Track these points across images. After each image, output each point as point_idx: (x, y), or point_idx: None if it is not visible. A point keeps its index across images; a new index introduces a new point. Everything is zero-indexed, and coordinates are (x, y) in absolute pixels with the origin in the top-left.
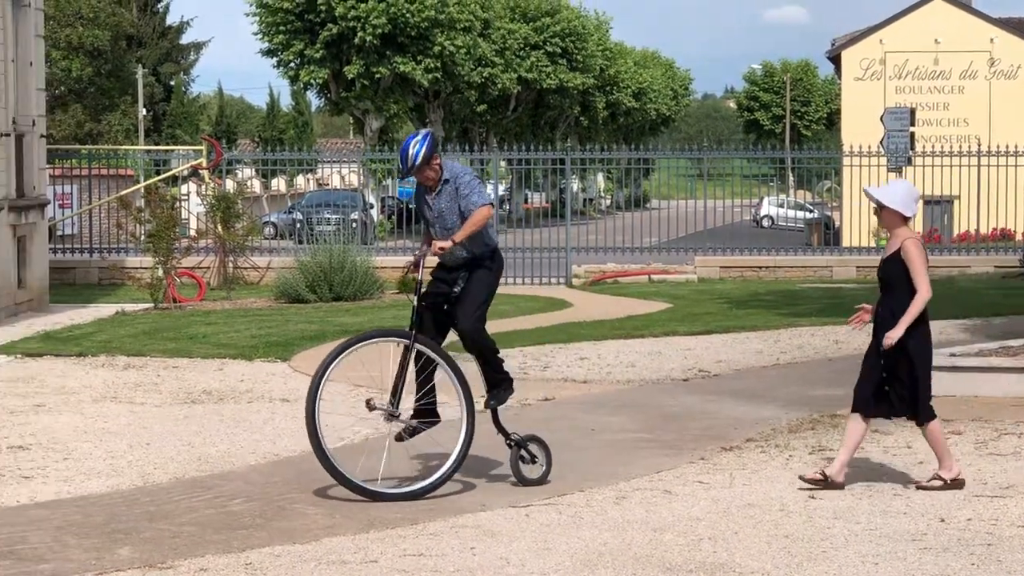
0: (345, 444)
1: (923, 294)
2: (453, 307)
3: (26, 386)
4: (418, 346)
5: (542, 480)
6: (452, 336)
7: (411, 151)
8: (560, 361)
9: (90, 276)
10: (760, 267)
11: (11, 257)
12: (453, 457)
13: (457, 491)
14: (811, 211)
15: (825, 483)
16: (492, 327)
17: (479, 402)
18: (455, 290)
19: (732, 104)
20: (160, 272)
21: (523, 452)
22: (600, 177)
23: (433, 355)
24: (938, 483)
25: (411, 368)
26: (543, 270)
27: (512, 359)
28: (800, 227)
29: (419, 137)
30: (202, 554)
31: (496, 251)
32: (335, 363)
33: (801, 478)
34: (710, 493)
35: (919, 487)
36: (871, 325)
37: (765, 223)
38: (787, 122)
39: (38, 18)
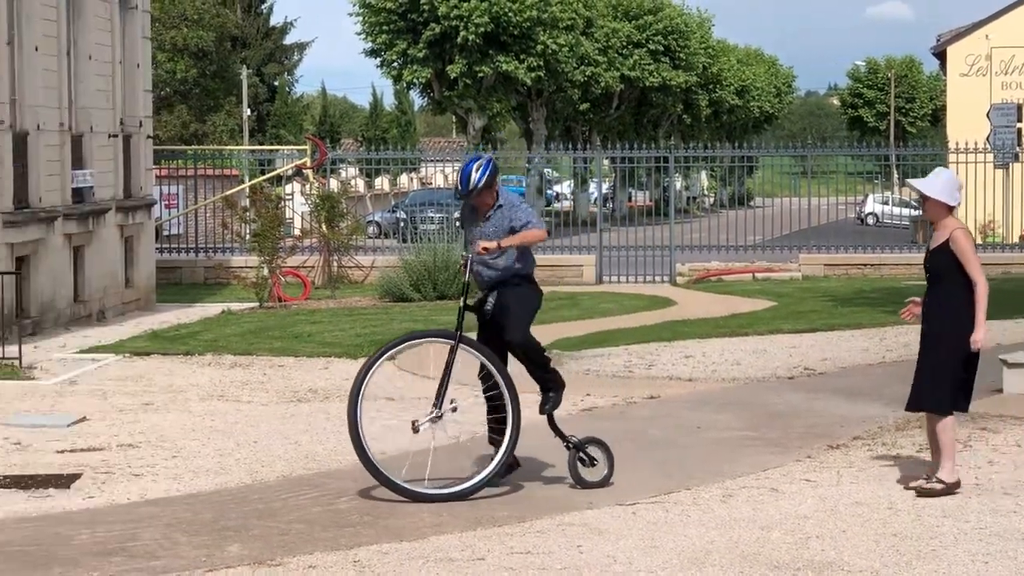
0: (455, 444)
1: (982, 286)
2: (496, 322)
3: (135, 385)
4: (463, 346)
5: (604, 482)
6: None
7: (474, 175)
8: (665, 359)
9: (196, 275)
10: (865, 264)
11: (119, 257)
12: (496, 459)
13: (563, 489)
14: (916, 208)
15: (947, 490)
16: (596, 325)
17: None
18: (487, 308)
19: (836, 101)
20: (265, 271)
21: (581, 455)
22: (703, 175)
23: (478, 356)
24: (939, 486)
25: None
26: (647, 268)
27: (617, 357)
28: (905, 224)
29: (482, 161)
30: (311, 551)
31: (530, 277)
32: (376, 365)
33: (918, 491)
34: (817, 491)
35: (918, 490)
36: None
37: (870, 220)
38: (891, 119)
39: (145, 20)
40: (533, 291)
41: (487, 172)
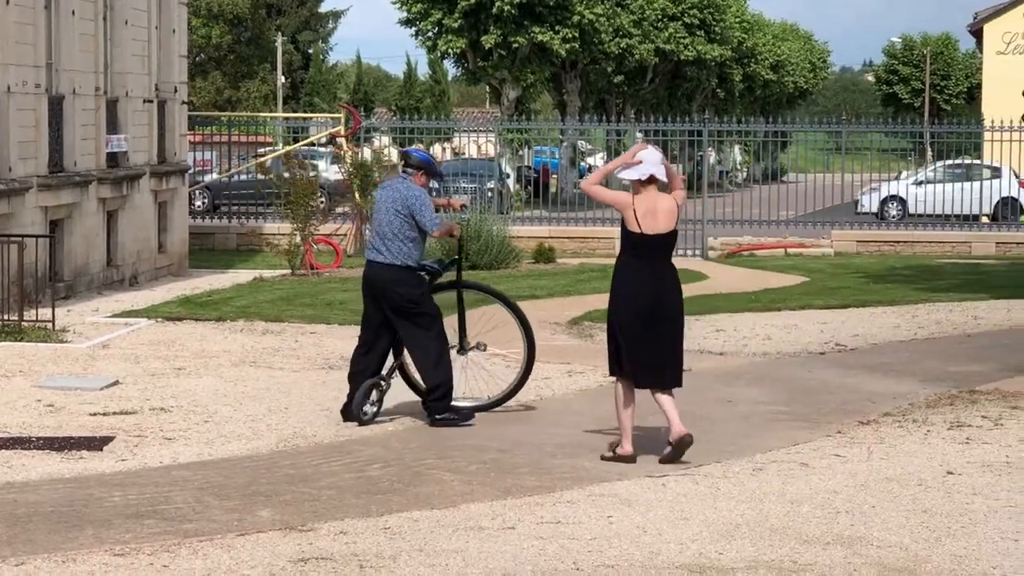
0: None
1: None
2: None
3: (167, 349)
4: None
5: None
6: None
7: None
8: (696, 333)
9: (228, 242)
10: (897, 242)
11: (152, 222)
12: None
13: (593, 460)
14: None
15: (616, 458)
16: None
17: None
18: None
19: (870, 77)
20: (298, 239)
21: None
22: (736, 150)
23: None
24: (609, 455)
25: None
26: (679, 242)
27: None
28: None
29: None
30: (341, 517)
31: None
32: None
33: (602, 457)
34: (847, 467)
35: (602, 457)
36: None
37: None
38: (926, 96)
39: None
40: None
41: None
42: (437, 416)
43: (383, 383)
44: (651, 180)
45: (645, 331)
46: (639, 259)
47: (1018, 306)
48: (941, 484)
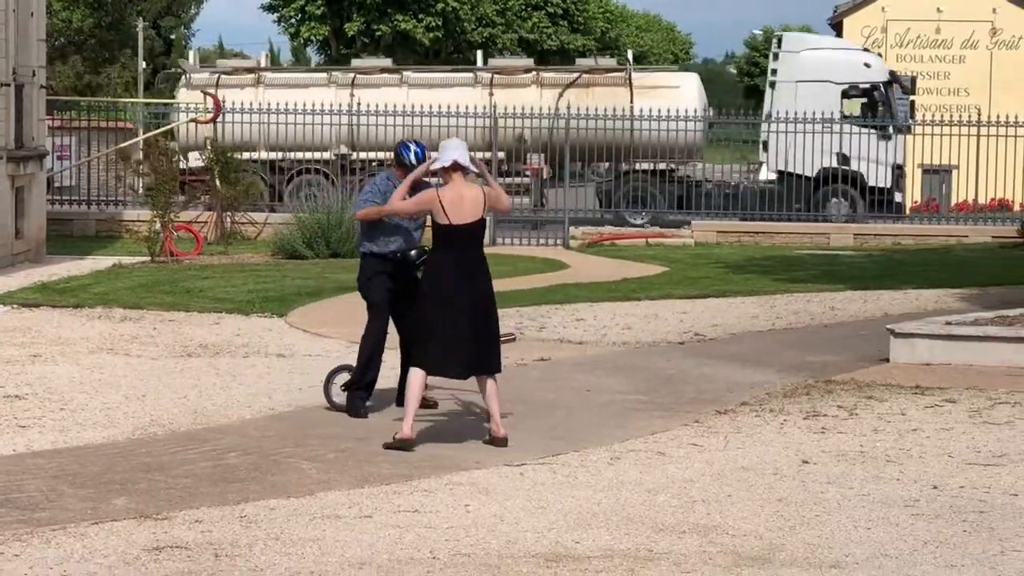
0: None
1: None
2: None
3: (23, 336)
4: None
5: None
6: None
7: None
8: (556, 322)
9: (87, 228)
10: (757, 232)
11: (9, 207)
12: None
13: (451, 449)
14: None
15: (395, 444)
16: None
17: None
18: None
19: (732, 69)
20: (158, 226)
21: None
22: None
23: None
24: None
25: None
26: (540, 230)
27: (509, 319)
28: None
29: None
30: (197, 506)
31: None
32: None
33: (384, 445)
34: (704, 456)
35: (384, 445)
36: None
37: None
38: None
39: None
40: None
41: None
42: (349, 412)
43: (347, 369)
44: (455, 167)
45: (457, 323)
46: (447, 251)
47: (874, 297)
48: (796, 473)
